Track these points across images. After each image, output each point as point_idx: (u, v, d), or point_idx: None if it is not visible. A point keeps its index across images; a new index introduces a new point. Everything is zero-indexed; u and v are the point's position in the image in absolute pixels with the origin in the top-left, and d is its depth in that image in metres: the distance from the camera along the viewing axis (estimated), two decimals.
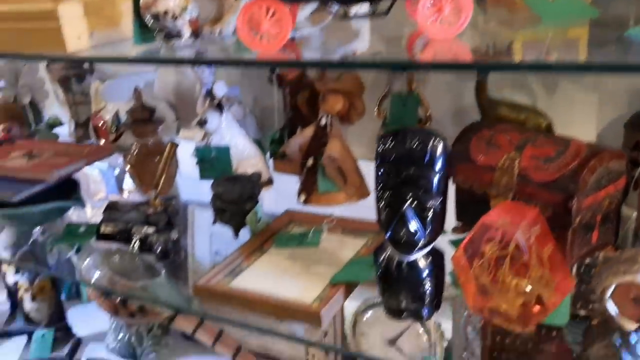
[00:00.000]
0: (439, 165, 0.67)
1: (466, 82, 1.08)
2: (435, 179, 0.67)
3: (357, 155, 1.08)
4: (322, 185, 1.03)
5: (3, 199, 0.97)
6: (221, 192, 0.95)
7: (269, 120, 1.26)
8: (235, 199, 0.94)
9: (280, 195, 1.18)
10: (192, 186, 1.30)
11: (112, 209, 1.00)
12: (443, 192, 0.69)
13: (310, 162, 1.06)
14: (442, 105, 1.10)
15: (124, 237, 0.95)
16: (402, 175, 0.68)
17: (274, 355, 1.47)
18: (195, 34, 0.71)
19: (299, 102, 1.17)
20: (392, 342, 1.27)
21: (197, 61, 0.75)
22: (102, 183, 1.51)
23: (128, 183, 1.56)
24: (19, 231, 1.59)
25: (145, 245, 0.91)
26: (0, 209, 0.99)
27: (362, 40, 0.82)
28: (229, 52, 0.75)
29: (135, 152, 1.11)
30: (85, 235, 0.98)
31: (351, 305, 1.27)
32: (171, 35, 0.69)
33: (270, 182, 1.15)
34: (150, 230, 0.93)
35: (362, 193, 1.05)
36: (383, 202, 0.70)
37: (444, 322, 1.17)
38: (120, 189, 1.56)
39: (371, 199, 1.05)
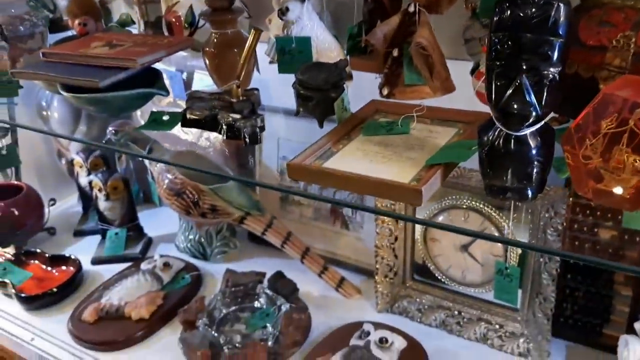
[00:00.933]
0: (562, 31, 0.63)
1: None
2: (557, 46, 0.63)
3: None
4: (407, 77, 0.99)
5: (89, 85, 0.98)
6: (306, 79, 0.92)
7: (346, 14, 1.22)
8: (320, 86, 0.92)
9: (357, 93, 1.16)
10: (260, 92, 1.29)
11: (194, 97, 1.00)
12: (563, 62, 0.65)
13: (395, 52, 1.02)
14: None
15: (210, 123, 0.94)
16: (520, 42, 0.64)
17: (339, 259, 1.49)
18: None
19: None
20: (465, 247, 1.26)
21: None
22: (170, 87, 1.51)
23: (196, 87, 1.56)
24: (97, 127, 1.63)
25: (233, 131, 0.91)
26: (87, 94, 0.99)
27: None
28: None
29: (213, 43, 1.09)
30: (169, 123, 0.98)
31: (422, 212, 1.27)
32: None
33: (350, 77, 1.11)
34: (236, 116, 0.92)
35: (448, 87, 1.01)
36: (495, 72, 0.66)
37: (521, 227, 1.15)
38: None
39: (456, 99, 1.02)
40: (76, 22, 1.25)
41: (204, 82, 1.52)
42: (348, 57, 1.16)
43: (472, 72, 1.09)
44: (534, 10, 0.63)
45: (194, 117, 0.96)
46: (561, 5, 0.62)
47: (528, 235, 1.15)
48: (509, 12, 0.64)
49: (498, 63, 0.65)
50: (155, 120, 1.01)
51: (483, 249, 1.22)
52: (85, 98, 0.99)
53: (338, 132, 0.90)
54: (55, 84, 1.05)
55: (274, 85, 1.35)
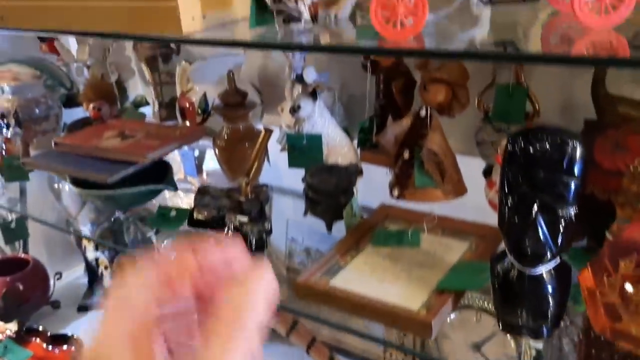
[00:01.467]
0: (577, 171, 0.61)
1: (578, 75, 1.00)
2: (572, 186, 0.61)
3: (451, 147, 1.03)
4: (418, 180, 0.98)
5: (98, 180, 0.97)
6: (315, 183, 0.91)
7: (358, 108, 1.22)
8: (330, 191, 0.90)
9: (367, 186, 1.14)
10: (270, 171, 1.28)
11: (203, 193, 0.99)
12: (578, 201, 0.63)
13: (406, 154, 1.01)
14: (548, 100, 1.03)
15: (217, 224, 0.93)
16: (533, 179, 0.62)
17: (346, 349, 1.44)
18: (314, 17, 0.67)
19: (393, 89, 1.11)
20: (478, 347, 1.21)
21: (321, 49, 0.71)
22: (181, 164, 1.51)
23: (208, 165, 1.55)
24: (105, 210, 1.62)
25: (239, 236, 0.89)
26: (94, 190, 0.99)
27: (483, 27, 0.76)
28: (345, 38, 0.71)
29: (225, 137, 1.09)
30: (177, 220, 0.97)
31: None
32: (291, 18, 0.65)
33: (360, 172, 1.10)
34: (243, 219, 0.90)
35: (460, 190, 0.99)
36: (508, 207, 0.64)
37: None
38: (200, 171, 1.56)
39: (468, 199, 1.01)
40: (91, 106, 1.26)
41: (215, 160, 1.52)
42: (359, 150, 1.15)
43: (485, 173, 1.07)
44: (548, 147, 0.61)
45: (200, 217, 0.94)
46: (577, 144, 0.61)
47: (543, 341, 1.10)
48: (522, 147, 0.62)
49: (511, 198, 0.64)
50: (163, 216, 1.00)
51: (496, 349, 1.18)
52: (94, 193, 0.98)
53: (346, 242, 0.88)
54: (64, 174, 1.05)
55: (284, 166, 1.35)
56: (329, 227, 0.92)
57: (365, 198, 1.15)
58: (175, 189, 1.03)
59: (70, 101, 1.50)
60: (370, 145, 1.13)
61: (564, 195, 0.61)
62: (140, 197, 1.00)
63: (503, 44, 0.65)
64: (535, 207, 0.62)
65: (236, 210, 0.94)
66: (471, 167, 1.09)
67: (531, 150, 0.62)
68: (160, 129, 1.15)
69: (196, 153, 1.57)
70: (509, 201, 0.63)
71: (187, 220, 0.96)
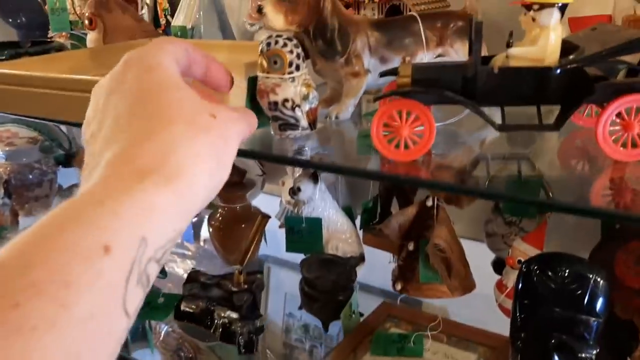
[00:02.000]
0: (600, 309, 0.55)
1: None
2: (594, 326, 0.55)
3: (458, 232, 0.97)
4: (423, 275, 0.92)
5: None
6: (312, 279, 0.85)
7: (362, 185, 1.17)
8: (327, 289, 0.84)
9: (370, 269, 1.08)
10: (270, 241, 1.22)
11: (193, 281, 0.93)
12: (600, 341, 0.56)
13: (411, 246, 0.95)
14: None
15: (205, 319, 0.87)
16: (550, 317, 0.56)
17: None
18: (313, 124, 0.62)
19: None
20: None
21: (315, 165, 0.66)
22: None
23: (205, 231, 1.50)
24: None
25: (227, 334, 0.83)
26: None
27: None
28: (348, 149, 0.65)
29: (220, 217, 1.03)
30: (164, 309, 0.90)
31: None
32: (287, 125, 0.60)
33: (362, 259, 1.04)
34: (233, 315, 0.84)
35: (468, 286, 0.93)
36: (522, 340, 0.58)
37: None
38: (197, 237, 1.50)
39: (476, 297, 0.94)
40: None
41: None
42: (362, 233, 1.10)
43: (494, 265, 1.01)
44: (566, 282, 0.55)
45: (188, 310, 0.88)
46: (599, 279, 0.55)
47: None
48: (536, 278, 0.56)
49: (524, 335, 0.57)
50: (149, 304, 0.93)
51: None
52: None
53: (344, 351, 0.81)
54: None
55: (283, 237, 1.29)
56: (325, 327, 0.86)
57: (366, 278, 1.08)
58: (164, 275, 0.97)
59: (69, 161, 1.47)
60: (377, 233, 1.07)
61: (583, 336, 0.55)
62: None
63: (517, 160, 0.60)
64: (551, 345, 0.55)
65: (226, 303, 0.88)
66: (480, 254, 1.03)
67: (546, 281, 0.56)
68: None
69: (194, 219, 1.51)
70: (521, 338, 0.57)
71: (173, 312, 0.89)
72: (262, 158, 0.81)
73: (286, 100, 0.59)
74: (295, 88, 0.59)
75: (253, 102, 0.60)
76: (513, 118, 0.59)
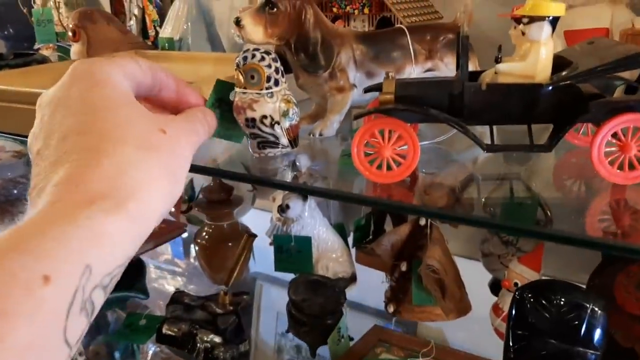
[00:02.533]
0: (597, 342, 0.51)
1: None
2: (592, 359, 0.51)
3: (453, 250, 0.93)
4: (416, 297, 0.88)
5: None
6: (299, 301, 0.81)
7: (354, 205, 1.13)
8: (315, 313, 0.80)
9: (363, 288, 1.05)
10: (260, 258, 1.19)
11: (177, 302, 0.89)
12: None
13: (404, 266, 0.91)
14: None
15: (187, 342, 0.83)
16: (545, 346, 0.52)
17: None
18: (294, 142, 0.58)
19: None
20: None
21: (299, 188, 0.62)
22: (169, 245, 1.42)
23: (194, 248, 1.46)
24: None
25: (210, 359, 0.79)
26: None
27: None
28: (331, 169, 0.62)
29: (206, 236, 1.00)
30: (146, 332, 0.87)
31: None
32: (266, 143, 0.57)
33: (353, 279, 1.01)
34: (217, 339, 0.80)
35: (463, 309, 0.89)
36: None
37: None
38: (187, 254, 1.47)
39: (473, 319, 0.90)
40: None
41: None
42: (354, 251, 1.06)
43: (491, 286, 0.97)
44: (562, 311, 0.52)
45: (170, 333, 0.84)
46: (597, 310, 0.51)
47: None
48: (529, 307, 0.53)
49: None
50: (130, 326, 0.90)
51: None
52: None
53: None
54: None
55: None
56: (313, 354, 0.82)
57: (357, 296, 1.05)
58: (146, 296, 0.94)
59: None
60: (368, 252, 1.03)
61: None
62: (106, 305, 0.90)
63: (510, 182, 0.56)
64: None
65: (210, 326, 0.84)
66: (477, 274, 0.99)
67: (540, 311, 0.52)
68: None
69: (184, 235, 1.48)
70: None
71: (155, 333, 0.86)
72: (237, 179, 0.77)
73: (264, 117, 0.56)
74: (274, 104, 0.56)
75: (219, 107, 0.57)
76: (504, 136, 0.56)
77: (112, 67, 0.34)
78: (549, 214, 0.48)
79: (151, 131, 0.32)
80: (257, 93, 0.55)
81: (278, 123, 0.56)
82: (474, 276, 0.97)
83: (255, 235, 0.89)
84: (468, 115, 0.48)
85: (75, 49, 1.00)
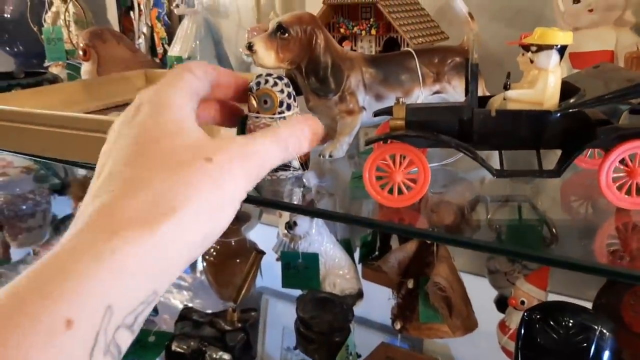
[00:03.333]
0: None
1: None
2: None
3: (459, 267, 0.94)
4: (423, 314, 0.89)
5: None
6: (307, 319, 0.82)
7: None
8: (323, 330, 0.81)
9: (371, 304, 1.05)
10: (267, 273, 1.19)
11: (185, 319, 0.90)
12: None
13: (410, 283, 0.92)
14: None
15: (196, 359, 0.83)
16: None
17: None
18: (305, 164, 0.59)
19: None
20: None
21: (308, 211, 0.63)
22: None
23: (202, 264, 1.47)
24: None
25: None
26: None
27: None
28: (341, 191, 0.63)
29: (214, 252, 1.01)
30: (155, 349, 0.87)
31: None
32: (278, 166, 0.58)
33: (360, 295, 1.01)
34: (225, 356, 0.81)
35: (470, 326, 0.90)
36: None
37: None
38: (194, 268, 1.48)
39: (480, 335, 0.91)
40: (80, 204, 1.20)
41: None
42: (360, 267, 1.07)
43: (497, 303, 0.98)
44: (569, 333, 0.52)
45: (179, 350, 0.85)
46: (604, 331, 0.52)
47: None
48: (537, 328, 0.53)
49: None
50: (139, 342, 0.90)
51: None
52: None
53: None
54: None
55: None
56: None
57: (365, 311, 1.05)
58: (156, 313, 0.95)
59: (64, 189, 1.45)
60: (375, 269, 1.04)
61: None
62: None
63: (516, 203, 0.57)
64: None
65: (219, 343, 0.85)
66: (483, 290, 1.00)
67: (548, 332, 0.53)
68: None
69: None
70: None
71: (164, 351, 0.86)
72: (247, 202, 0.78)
73: None
74: None
75: None
76: (513, 159, 0.57)
77: (175, 91, 0.33)
78: (554, 238, 0.49)
79: (195, 158, 0.30)
80: (270, 117, 0.56)
81: None
82: (481, 293, 0.98)
83: (263, 253, 0.90)
84: (477, 141, 0.49)
85: (85, 67, 1.02)
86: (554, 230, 0.50)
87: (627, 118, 0.65)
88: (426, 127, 0.50)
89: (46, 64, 1.21)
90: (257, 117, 0.57)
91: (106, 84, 0.94)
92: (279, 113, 0.57)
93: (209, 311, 0.94)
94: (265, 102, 0.56)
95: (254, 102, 0.56)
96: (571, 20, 0.73)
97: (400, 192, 0.50)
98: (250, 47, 0.61)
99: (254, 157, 0.32)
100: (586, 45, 0.71)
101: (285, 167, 0.59)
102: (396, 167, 0.50)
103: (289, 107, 0.57)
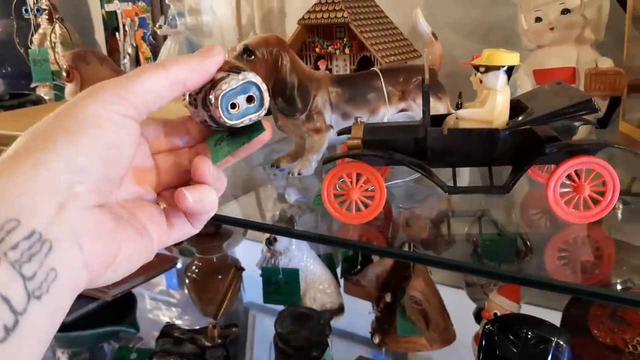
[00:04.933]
0: None
1: None
2: None
3: (438, 279, 0.95)
4: (401, 327, 0.90)
5: None
6: (285, 334, 0.83)
7: None
8: (301, 345, 0.82)
9: (352, 317, 1.06)
10: (254, 288, 1.20)
11: (166, 336, 0.91)
12: None
13: (388, 297, 0.93)
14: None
15: None
16: None
17: None
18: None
19: None
20: None
21: (274, 230, 0.64)
22: (163, 276, 1.44)
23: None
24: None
25: None
26: None
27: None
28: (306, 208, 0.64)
29: (196, 268, 1.02)
30: None
31: None
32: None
33: (341, 310, 1.02)
34: None
35: (447, 339, 0.91)
36: None
37: None
38: (182, 285, 1.49)
39: (461, 347, 0.92)
40: None
41: None
42: (342, 281, 1.08)
43: (475, 315, 0.99)
44: (527, 345, 0.53)
45: None
46: (561, 342, 0.53)
47: None
48: (497, 340, 0.55)
49: None
50: (122, 358, 0.91)
51: None
52: None
53: None
54: None
55: None
56: None
57: (345, 325, 1.06)
58: (137, 330, 0.96)
59: None
60: (354, 282, 1.05)
61: None
62: (98, 339, 0.92)
63: (479, 217, 0.58)
64: None
65: (199, 359, 0.85)
66: (463, 303, 1.00)
67: (506, 344, 0.54)
68: None
69: (179, 266, 1.50)
70: None
71: None
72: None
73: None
74: None
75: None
76: (475, 175, 0.58)
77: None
78: (512, 254, 0.50)
79: None
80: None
81: None
82: (460, 305, 0.99)
83: (242, 269, 0.91)
84: (432, 159, 0.51)
85: (69, 89, 1.04)
86: (509, 246, 0.51)
87: (591, 133, 0.67)
88: (383, 146, 0.52)
89: (33, 84, 1.23)
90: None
91: None
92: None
93: (190, 327, 0.95)
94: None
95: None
96: (534, 38, 0.75)
97: (358, 209, 0.52)
98: None
99: None
100: (549, 62, 0.73)
101: None
102: (353, 185, 0.51)
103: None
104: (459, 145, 0.50)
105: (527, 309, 0.86)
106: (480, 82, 0.50)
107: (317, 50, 0.91)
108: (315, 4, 0.88)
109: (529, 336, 0.53)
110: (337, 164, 0.53)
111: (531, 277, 0.45)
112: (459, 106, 0.51)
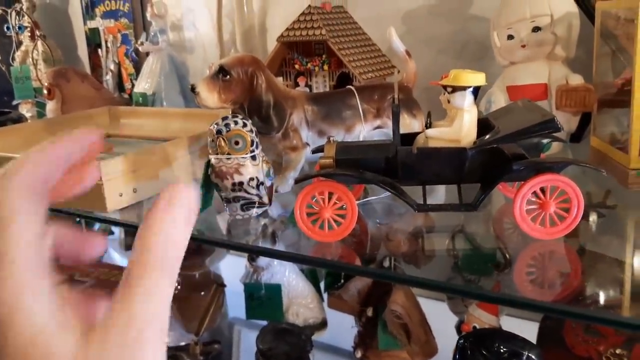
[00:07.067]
0: None
1: None
2: None
3: (422, 292, 0.95)
4: (382, 341, 0.90)
5: None
6: (266, 350, 0.83)
7: None
8: None
9: (336, 331, 1.06)
10: (239, 304, 1.20)
11: None
12: None
13: (369, 312, 0.93)
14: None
15: None
16: None
17: None
18: (270, 199, 0.61)
19: None
20: None
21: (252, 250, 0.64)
22: None
23: None
24: None
25: None
26: None
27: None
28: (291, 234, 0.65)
29: (178, 285, 1.02)
30: None
31: None
32: (250, 204, 0.59)
33: (324, 324, 1.02)
34: None
35: (429, 351, 0.91)
36: None
37: None
38: None
39: (443, 350, 0.92)
40: None
41: None
42: (326, 296, 1.08)
43: (457, 328, 0.99)
44: (500, 359, 0.54)
45: None
46: (532, 356, 0.54)
47: None
48: (470, 354, 0.55)
49: None
50: None
51: None
52: None
53: None
54: None
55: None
56: None
57: (333, 340, 1.06)
58: None
59: None
60: (337, 297, 1.05)
61: None
62: None
63: (453, 234, 0.59)
64: None
65: None
66: (446, 315, 1.01)
67: (481, 356, 0.55)
68: (114, 271, 1.08)
69: None
70: None
71: None
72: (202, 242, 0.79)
73: (252, 179, 0.58)
74: (257, 166, 0.59)
75: (206, 185, 0.60)
76: (452, 191, 0.59)
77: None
78: (486, 271, 0.51)
79: None
80: (242, 157, 0.58)
81: (262, 183, 0.59)
82: (442, 317, 0.99)
83: (224, 285, 0.91)
84: (402, 177, 0.52)
85: (50, 106, 1.04)
86: (480, 262, 0.52)
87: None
88: (355, 165, 0.52)
89: (15, 102, 1.23)
90: (228, 159, 0.58)
91: (69, 122, 0.96)
92: (251, 152, 0.58)
93: (172, 345, 0.95)
94: (237, 142, 0.58)
95: (223, 144, 0.58)
96: (507, 55, 0.76)
97: (330, 227, 0.52)
98: (193, 89, 0.63)
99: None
100: (521, 78, 0.75)
101: (259, 204, 0.60)
102: (325, 204, 0.52)
103: (257, 146, 0.59)
104: (429, 164, 0.51)
105: (507, 321, 0.87)
106: (448, 101, 0.51)
107: (297, 67, 0.92)
108: (294, 22, 0.89)
109: (502, 350, 0.54)
110: (311, 182, 0.54)
111: (500, 296, 0.45)
112: (428, 125, 0.52)
